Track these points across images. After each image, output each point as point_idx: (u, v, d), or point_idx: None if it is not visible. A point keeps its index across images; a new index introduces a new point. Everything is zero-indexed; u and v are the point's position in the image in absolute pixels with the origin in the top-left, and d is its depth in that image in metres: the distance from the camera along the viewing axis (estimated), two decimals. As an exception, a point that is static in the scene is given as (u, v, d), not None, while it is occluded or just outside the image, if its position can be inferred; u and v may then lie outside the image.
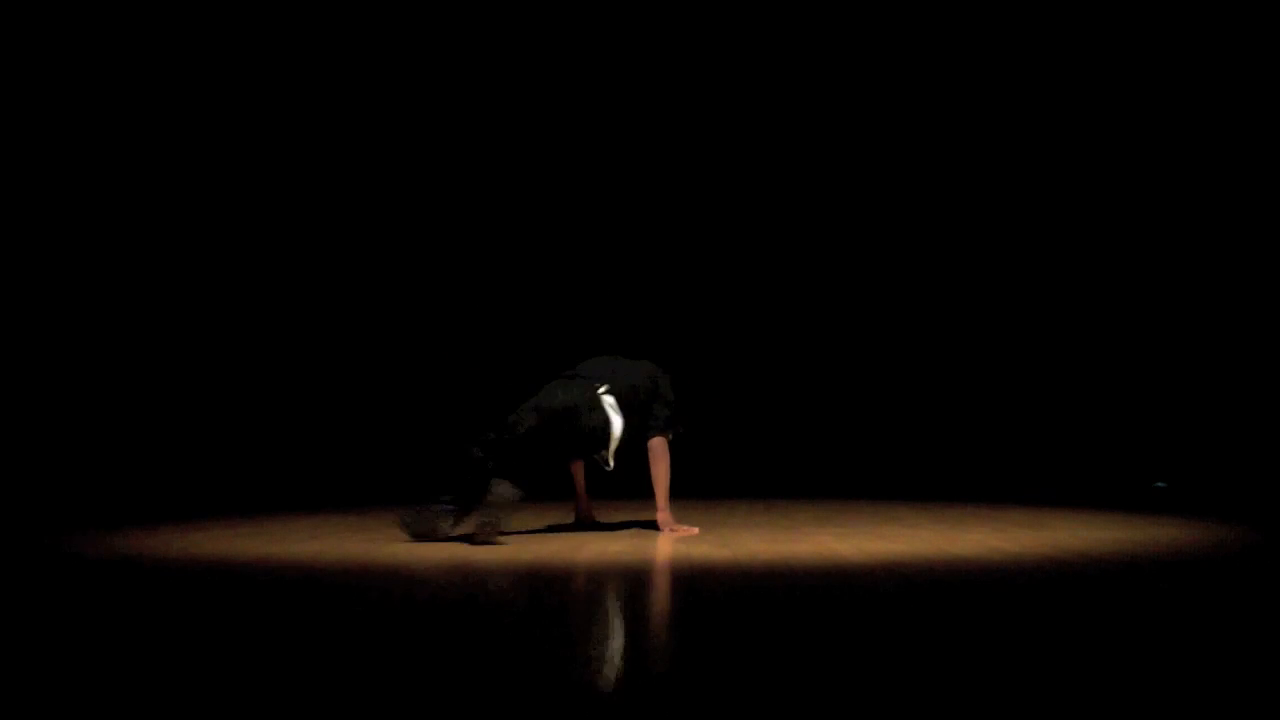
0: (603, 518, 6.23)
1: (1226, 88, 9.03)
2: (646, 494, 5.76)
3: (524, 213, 9.66)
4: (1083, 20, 9.26)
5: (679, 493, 6.38)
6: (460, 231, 9.63)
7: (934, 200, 9.63)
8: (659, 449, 5.64)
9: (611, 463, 5.63)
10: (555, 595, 3.66)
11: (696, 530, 5.60)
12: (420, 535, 5.25)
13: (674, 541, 5.17)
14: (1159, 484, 8.84)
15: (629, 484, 5.94)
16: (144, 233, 9.24)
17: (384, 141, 9.55)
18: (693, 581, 3.90)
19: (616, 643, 2.81)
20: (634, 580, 3.99)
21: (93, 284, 9.13)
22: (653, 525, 5.70)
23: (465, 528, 5.24)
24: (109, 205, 9.16)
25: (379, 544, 5.06)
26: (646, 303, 9.49)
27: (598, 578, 4.02)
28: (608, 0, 9.48)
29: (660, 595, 3.64)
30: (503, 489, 5.21)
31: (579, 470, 5.92)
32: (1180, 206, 9.23)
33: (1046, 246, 9.51)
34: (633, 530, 5.73)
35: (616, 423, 5.61)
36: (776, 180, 9.72)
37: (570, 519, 6.04)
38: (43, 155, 9.00)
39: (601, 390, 5.64)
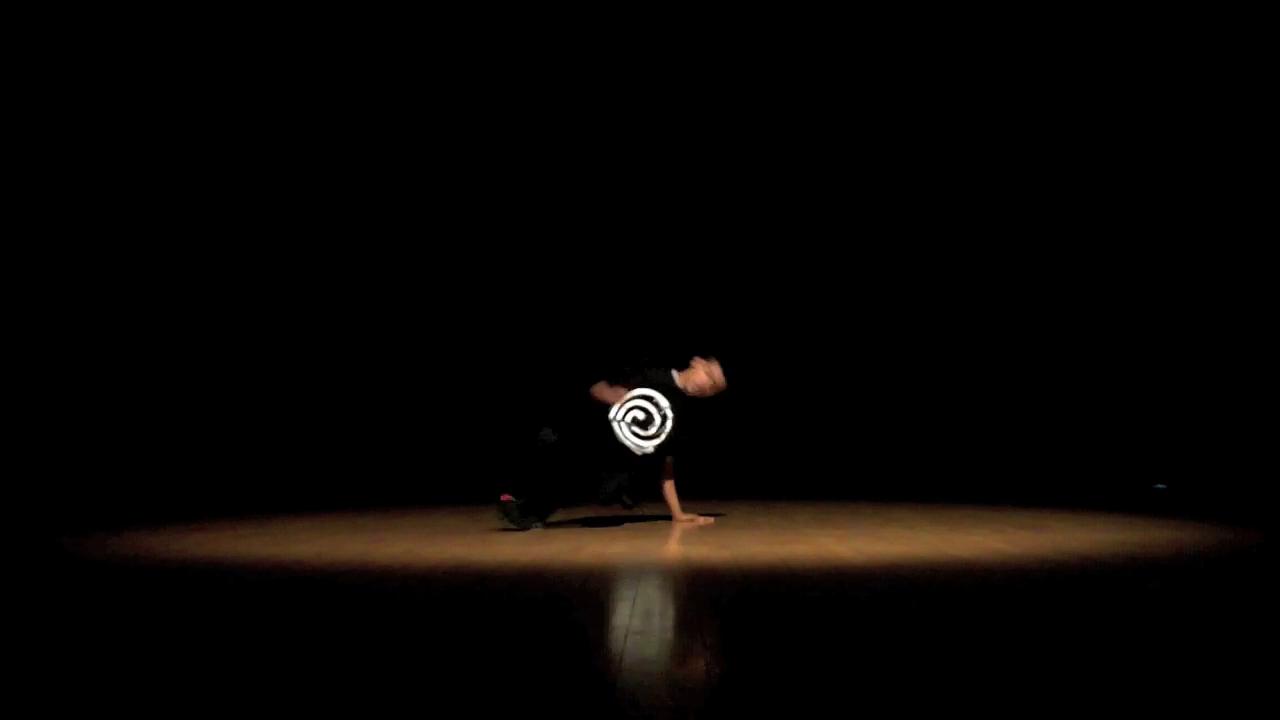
0: (601, 517, 6.24)
1: (1226, 88, 9.03)
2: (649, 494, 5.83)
3: (527, 216, 9.66)
4: (1082, 20, 9.26)
5: (682, 493, 6.39)
6: (462, 235, 9.64)
7: (934, 203, 9.64)
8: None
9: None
10: (555, 596, 3.66)
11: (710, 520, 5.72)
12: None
13: (675, 542, 5.17)
14: (1159, 485, 8.84)
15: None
16: (146, 234, 9.25)
17: (388, 144, 9.56)
18: (692, 583, 3.90)
19: (615, 645, 2.81)
20: (634, 581, 3.99)
21: (95, 286, 9.13)
22: (650, 524, 5.71)
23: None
24: (111, 207, 9.17)
25: (379, 544, 5.06)
26: (648, 304, 9.49)
27: (598, 579, 4.02)
28: (619, 2, 9.49)
29: (660, 597, 3.64)
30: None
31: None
32: (1180, 208, 9.23)
33: (1046, 249, 9.51)
34: (632, 531, 5.73)
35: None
36: (779, 184, 9.72)
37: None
38: (45, 157, 9.00)
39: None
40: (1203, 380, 9.13)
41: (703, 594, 3.64)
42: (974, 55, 9.44)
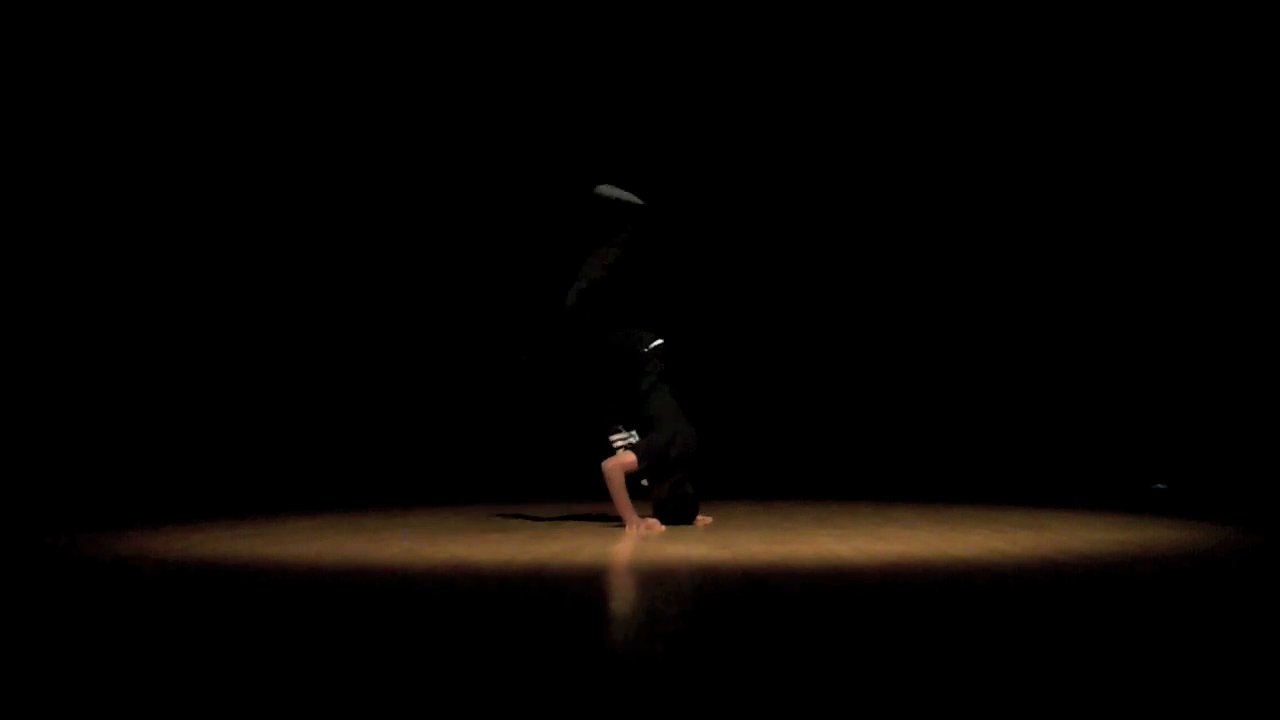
0: (598, 514, 6.24)
1: (1226, 88, 9.03)
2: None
3: (522, 209, 9.65)
4: (1083, 20, 9.27)
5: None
6: (461, 230, 9.63)
7: (935, 200, 9.63)
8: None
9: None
10: (555, 595, 3.66)
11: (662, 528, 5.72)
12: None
13: (675, 541, 5.17)
14: (1158, 485, 8.84)
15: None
16: (144, 232, 9.24)
17: (383, 140, 9.55)
18: (692, 581, 3.90)
19: (616, 644, 2.81)
20: (634, 580, 3.99)
21: (93, 284, 9.13)
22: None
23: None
24: (109, 205, 9.16)
25: (380, 544, 5.06)
26: (646, 302, 9.47)
27: (598, 578, 4.03)
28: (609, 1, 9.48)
29: (660, 596, 3.64)
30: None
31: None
32: (1180, 206, 9.23)
33: (1046, 246, 9.51)
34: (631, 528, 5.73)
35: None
36: (777, 179, 9.72)
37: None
38: (43, 155, 9.00)
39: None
40: (1203, 380, 9.13)
41: (703, 593, 3.64)
42: (975, 47, 9.44)
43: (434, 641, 2.92)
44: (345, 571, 4.21)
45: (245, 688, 2.42)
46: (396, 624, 3.19)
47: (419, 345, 9.57)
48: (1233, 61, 8.98)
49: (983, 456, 9.38)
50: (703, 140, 9.66)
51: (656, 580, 3.97)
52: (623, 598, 3.61)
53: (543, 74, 9.54)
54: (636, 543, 5.16)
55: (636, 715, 2.16)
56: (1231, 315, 9.08)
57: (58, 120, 9.01)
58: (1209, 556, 4.57)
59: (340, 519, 6.46)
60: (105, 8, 9.01)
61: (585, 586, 3.83)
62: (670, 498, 5.98)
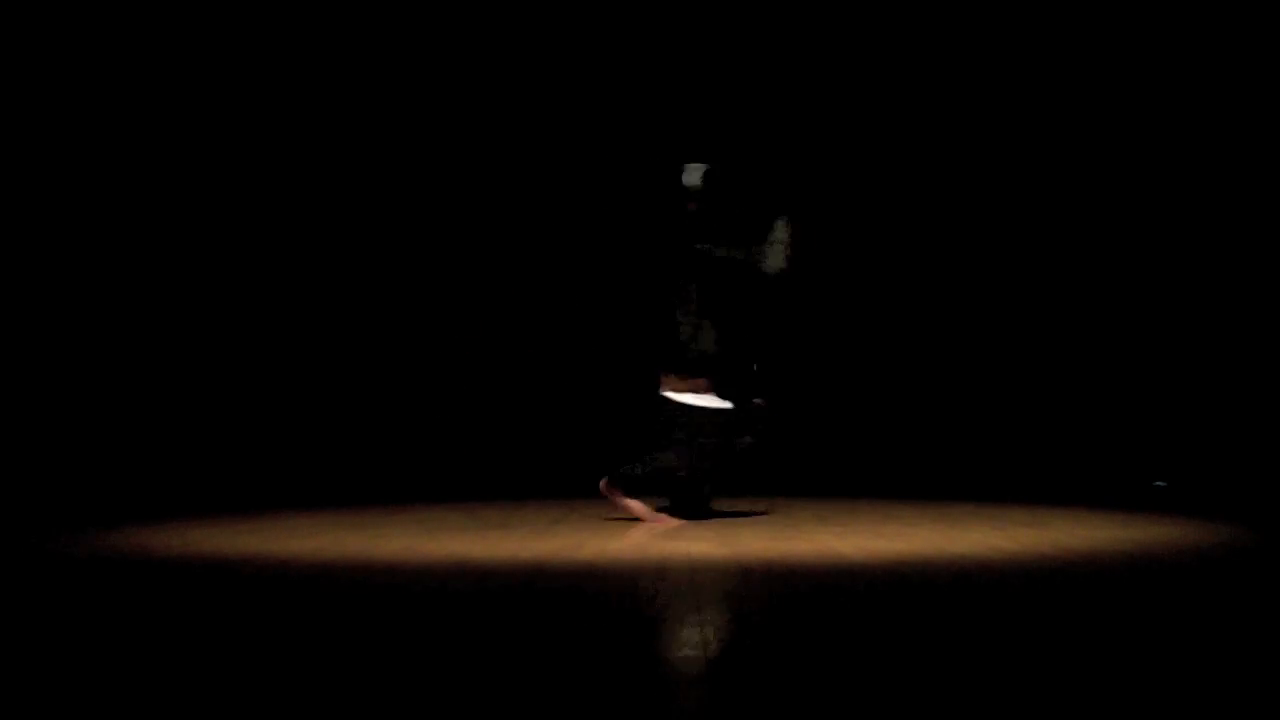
0: (598, 512, 6.24)
1: (1226, 87, 9.02)
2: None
3: (519, 208, 9.64)
4: (1083, 18, 9.26)
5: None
6: (464, 225, 9.62)
7: (933, 197, 9.62)
8: None
9: None
10: (555, 593, 3.66)
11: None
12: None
13: (674, 538, 5.17)
14: (1159, 483, 8.83)
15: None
16: (142, 228, 9.23)
17: (383, 136, 9.54)
18: (692, 579, 3.89)
19: (615, 641, 2.81)
20: (633, 578, 3.99)
21: (92, 280, 9.12)
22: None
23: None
24: (107, 202, 9.15)
25: (380, 540, 5.06)
26: (646, 300, 9.46)
27: (599, 576, 4.02)
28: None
29: (659, 594, 3.63)
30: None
31: None
32: (1180, 204, 9.23)
33: (1046, 244, 9.50)
34: (632, 528, 5.73)
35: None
36: (774, 176, 9.71)
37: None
38: (41, 154, 8.99)
39: None
40: (1202, 377, 9.12)
41: (704, 590, 3.64)
42: (973, 46, 9.43)
43: (435, 639, 2.92)
44: (345, 568, 4.21)
45: (245, 685, 2.42)
46: (397, 621, 3.19)
47: (421, 340, 9.56)
48: (1233, 61, 8.96)
49: (984, 454, 9.38)
50: (702, 132, 9.65)
51: (658, 578, 3.97)
52: (624, 595, 3.61)
53: (550, 78, 9.53)
54: (638, 540, 5.16)
55: (636, 713, 2.16)
56: (1232, 314, 9.08)
57: (56, 119, 9.00)
58: (1209, 556, 4.56)
59: (340, 515, 6.46)
60: (105, 7, 9.00)
61: (587, 584, 3.83)
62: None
